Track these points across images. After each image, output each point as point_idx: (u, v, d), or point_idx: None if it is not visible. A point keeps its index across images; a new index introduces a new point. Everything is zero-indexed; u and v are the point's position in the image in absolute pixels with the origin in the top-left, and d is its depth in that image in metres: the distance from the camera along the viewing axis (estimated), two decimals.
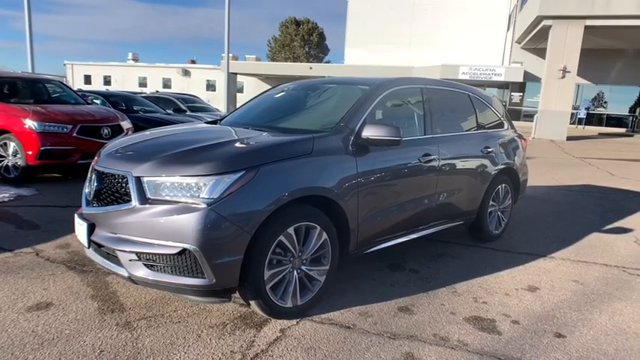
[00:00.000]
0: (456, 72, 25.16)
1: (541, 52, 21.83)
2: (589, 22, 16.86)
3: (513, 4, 27.07)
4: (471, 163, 4.07)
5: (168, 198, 2.34)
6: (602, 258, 4.23)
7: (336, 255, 2.90)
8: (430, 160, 3.51)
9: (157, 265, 2.36)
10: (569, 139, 18.41)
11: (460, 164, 3.93)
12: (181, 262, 2.30)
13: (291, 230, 2.58)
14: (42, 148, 5.75)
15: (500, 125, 4.68)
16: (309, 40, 51.87)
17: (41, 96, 6.85)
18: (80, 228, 2.63)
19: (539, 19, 17.87)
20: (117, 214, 2.44)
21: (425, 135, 3.59)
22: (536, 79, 24.26)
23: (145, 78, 41.10)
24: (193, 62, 40.96)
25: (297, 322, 2.68)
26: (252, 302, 2.55)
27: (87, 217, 2.63)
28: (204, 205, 2.28)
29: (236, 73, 31.44)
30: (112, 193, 2.54)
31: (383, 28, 31.36)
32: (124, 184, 2.47)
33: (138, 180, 2.41)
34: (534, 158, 12.11)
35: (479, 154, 4.12)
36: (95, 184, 2.65)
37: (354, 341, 2.50)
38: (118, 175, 2.51)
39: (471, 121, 4.25)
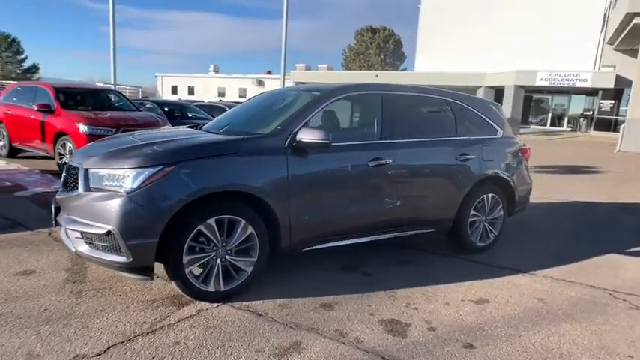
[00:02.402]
0: (532, 78, 23.45)
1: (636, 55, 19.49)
2: None
3: (609, 1, 24.47)
4: (441, 170, 4.01)
5: (103, 187, 2.79)
6: (596, 279, 3.88)
7: (265, 249, 3.13)
8: (382, 165, 3.57)
9: (93, 243, 2.81)
10: None
11: (425, 170, 3.91)
12: (108, 241, 2.73)
13: (211, 221, 2.87)
14: None
15: (491, 132, 4.51)
16: (384, 47, 51.79)
17: (101, 103, 8.00)
18: (52, 210, 3.20)
19: (630, 16, 16.08)
20: (71, 199, 2.95)
21: (379, 140, 3.66)
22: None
23: (223, 88, 44.19)
24: (269, 73, 43.11)
25: (217, 306, 2.95)
26: (173, 282, 2.89)
27: (57, 201, 3.18)
28: (124, 194, 2.68)
29: (303, 83, 32.50)
30: (72, 182, 3.06)
31: (454, 33, 30.26)
32: (77, 175, 2.98)
33: (86, 171, 2.90)
34: (605, 172, 10.99)
35: (452, 161, 4.04)
36: (64, 174, 3.21)
37: (254, 326, 2.71)
38: (75, 168, 3.03)
39: (447, 127, 4.18)
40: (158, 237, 2.71)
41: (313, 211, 3.30)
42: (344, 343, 2.59)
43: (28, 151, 8.36)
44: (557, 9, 27.22)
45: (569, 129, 27.49)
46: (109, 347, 2.40)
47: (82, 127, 6.84)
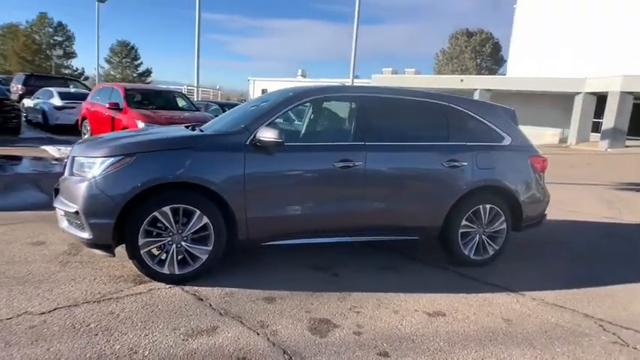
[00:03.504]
0: None
1: None
2: None
3: None
4: (422, 176, 3.86)
5: (79, 172, 3.22)
6: (595, 308, 3.45)
7: (222, 239, 3.33)
8: (349, 167, 3.56)
9: (70, 220, 3.25)
10: None
11: (402, 175, 3.80)
12: (77, 219, 3.14)
13: (166, 209, 3.15)
14: None
15: (494, 139, 4.20)
16: (481, 51, 49.14)
17: (164, 103, 8.91)
18: None
19: None
20: (62, 182, 3.44)
21: (350, 142, 3.65)
22: None
23: None
24: (356, 77, 43.23)
25: (170, 288, 3.22)
26: (131, 261, 3.22)
27: (58, 184, 3.71)
28: (90, 178, 3.07)
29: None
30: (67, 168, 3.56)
31: (551, 36, 27.60)
32: (69, 162, 3.46)
33: (72, 159, 3.36)
34: None
35: (436, 167, 3.87)
36: (65, 162, 3.73)
37: (187, 308, 2.92)
38: (69, 156, 3.52)
39: (435, 132, 4.00)
40: (114, 218, 3.05)
41: (272, 208, 3.42)
42: (257, 334, 2.68)
43: None
44: None
45: None
46: (55, 309, 2.78)
47: (140, 124, 7.70)
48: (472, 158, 3.98)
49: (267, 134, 3.26)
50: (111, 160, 3.09)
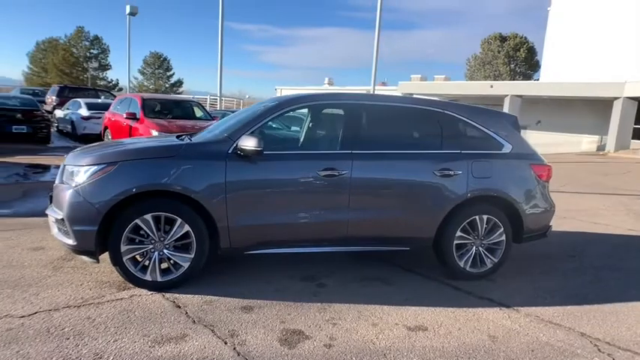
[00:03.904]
0: None
1: None
2: None
3: None
4: (412, 185, 3.76)
5: (67, 180, 3.32)
6: (594, 327, 3.24)
7: (204, 248, 3.35)
8: (334, 176, 3.52)
9: (59, 227, 3.36)
10: None
11: (391, 184, 3.71)
12: (63, 225, 3.24)
13: (148, 217, 3.21)
14: None
15: (493, 147, 4.05)
16: (515, 56, 47.82)
17: (180, 113, 9.14)
18: None
19: None
20: (53, 190, 3.56)
21: (335, 150, 3.61)
22: None
23: None
24: (384, 84, 43.00)
25: (151, 294, 3.26)
26: (114, 267, 3.28)
27: (51, 192, 3.84)
28: (73, 186, 3.17)
29: (410, 94, 31.71)
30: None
31: (587, 39, 26.53)
32: (60, 170, 3.58)
33: (63, 167, 3.48)
34: None
35: (427, 176, 3.76)
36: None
37: (162, 315, 2.94)
38: (62, 165, 3.64)
39: (428, 140, 3.89)
40: (97, 225, 3.12)
41: (254, 216, 3.42)
42: (225, 343, 2.66)
43: None
44: None
45: None
46: (35, 312, 2.87)
47: (154, 133, 7.92)
48: (467, 167, 3.85)
49: (247, 143, 3.27)
50: (94, 168, 3.18)
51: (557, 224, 6.39)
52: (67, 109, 14.04)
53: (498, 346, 2.89)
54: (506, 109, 23.54)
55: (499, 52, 48.43)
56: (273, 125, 3.92)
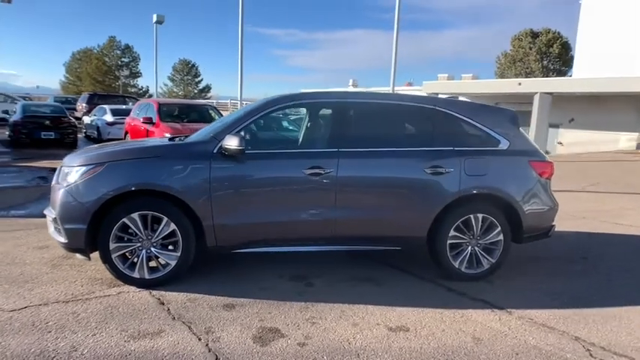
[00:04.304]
0: None
1: None
2: None
3: None
4: (401, 183, 3.69)
5: (62, 181, 3.45)
6: (591, 331, 3.08)
7: (190, 246, 3.40)
8: (320, 174, 3.50)
9: (54, 226, 3.49)
10: None
11: (378, 182, 3.66)
12: (56, 224, 3.37)
13: (135, 215, 3.29)
14: None
15: (489, 143, 3.92)
16: (547, 52, 46.19)
17: (195, 117, 9.34)
18: None
19: None
20: (50, 190, 3.71)
21: (321, 149, 3.59)
22: None
23: None
24: (410, 84, 42.41)
25: (139, 291, 3.34)
26: (104, 265, 3.38)
27: None
28: (64, 186, 3.29)
29: (435, 94, 31.12)
30: None
31: (623, 31, 25.27)
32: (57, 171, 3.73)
33: (60, 169, 3.62)
34: None
35: (417, 174, 3.68)
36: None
37: (144, 312, 3.01)
38: (59, 166, 3.79)
39: (418, 137, 3.82)
40: (86, 224, 3.23)
41: (239, 215, 3.44)
42: (199, 339, 2.69)
43: None
44: None
45: None
46: (25, 307, 2.99)
47: (168, 136, 8.12)
48: (459, 164, 3.74)
49: (230, 142, 3.30)
50: (84, 168, 3.29)
51: (575, 225, 6.14)
52: (94, 115, 14.63)
53: (481, 348, 2.79)
54: (535, 108, 22.76)
55: (530, 48, 46.93)
56: (262, 124, 3.95)
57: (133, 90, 50.51)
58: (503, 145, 3.97)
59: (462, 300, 3.52)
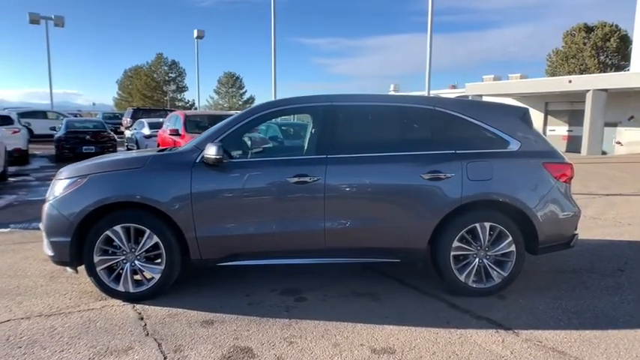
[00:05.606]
0: None
1: None
2: None
3: None
4: (396, 190, 3.42)
5: (49, 194, 3.48)
6: (609, 357, 2.66)
7: (174, 259, 3.32)
8: (306, 182, 3.31)
9: (45, 239, 3.53)
10: None
11: (370, 190, 3.41)
12: (45, 238, 3.40)
13: (118, 228, 3.25)
14: None
15: (496, 144, 3.56)
16: (604, 47, 43.20)
17: None
18: None
19: None
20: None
21: (308, 155, 3.40)
22: None
23: None
24: (454, 87, 41.10)
25: (123, 305, 3.29)
26: (89, 278, 3.37)
27: None
28: (50, 200, 3.32)
29: (479, 95, 29.83)
30: None
31: None
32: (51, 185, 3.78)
33: (53, 182, 3.67)
34: None
35: (413, 181, 3.40)
36: None
37: (120, 327, 2.94)
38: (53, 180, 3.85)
39: (415, 140, 3.53)
40: (70, 237, 3.23)
41: (223, 227, 3.32)
42: (165, 358, 2.57)
43: None
44: None
45: None
46: (7, 320, 3.02)
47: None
48: (460, 168, 3.42)
49: (209, 152, 3.20)
50: (68, 181, 3.30)
51: (618, 232, 5.52)
52: (134, 129, 15.27)
53: None
54: (588, 106, 21.28)
55: (584, 43, 44.10)
56: (250, 132, 3.81)
57: (180, 104, 52.69)
58: (514, 146, 3.59)
59: (464, 318, 3.18)
